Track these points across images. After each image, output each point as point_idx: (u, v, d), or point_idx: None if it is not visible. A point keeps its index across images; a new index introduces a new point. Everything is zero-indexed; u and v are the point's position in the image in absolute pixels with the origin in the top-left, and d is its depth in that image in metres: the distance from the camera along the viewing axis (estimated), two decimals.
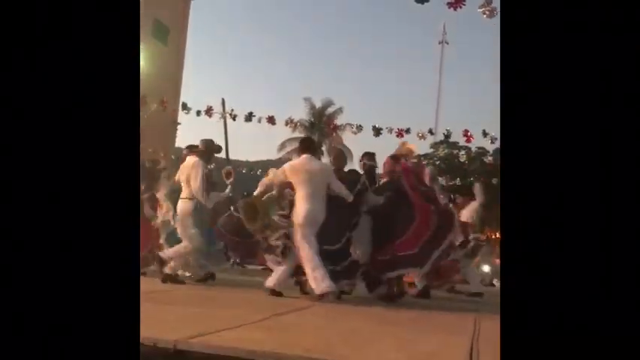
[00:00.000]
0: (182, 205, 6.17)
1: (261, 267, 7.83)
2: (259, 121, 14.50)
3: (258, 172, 21.85)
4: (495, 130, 14.51)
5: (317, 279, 4.77)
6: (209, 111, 14.35)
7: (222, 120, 14.13)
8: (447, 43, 18.48)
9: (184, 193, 6.19)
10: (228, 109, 14.32)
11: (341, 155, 6.18)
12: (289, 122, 15.71)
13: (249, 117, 14.25)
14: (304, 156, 5.29)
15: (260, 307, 4.07)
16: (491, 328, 3.89)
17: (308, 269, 4.88)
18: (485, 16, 6.71)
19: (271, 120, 14.54)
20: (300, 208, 5.03)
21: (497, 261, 20.21)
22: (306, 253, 4.91)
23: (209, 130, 10.52)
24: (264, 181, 5.52)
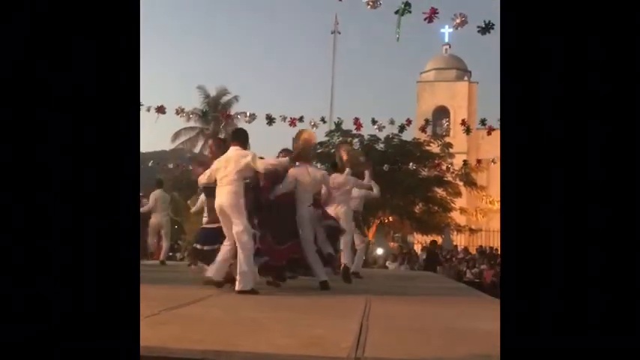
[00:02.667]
0: None
1: None
2: (148, 110, 13.99)
3: (149, 164, 21.14)
4: (383, 118, 15.04)
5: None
6: None
7: None
8: (339, 33, 18.76)
9: None
10: None
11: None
12: (180, 111, 15.31)
13: None
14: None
15: (150, 302, 3.98)
16: (379, 309, 4.08)
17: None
18: (368, 7, 6.93)
19: (161, 109, 14.08)
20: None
21: (392, 244, 20.99)
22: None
23: None
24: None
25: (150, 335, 2.62)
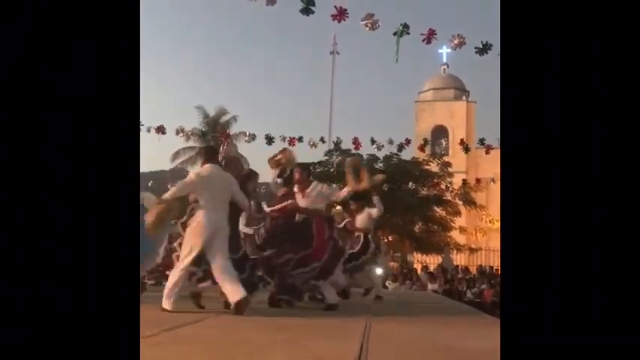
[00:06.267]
0: None
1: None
2: (148, 130, 14.07)
3: (149, 184, 21.12)
4: (381, 138, 15.11)
5: (232, 289, 4.71)
6: None
7: None
8: (338, 54, 18.93)
9: None
10: None
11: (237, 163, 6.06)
12: (180, 131, 15.38)
13: None
14: (209, 165, 5.11)
15: (150, 322, 3.96)
16: (379, 330, 4.04)
17: (223, 280, 4.77)
18: (367, 28, 7.01)
19: (161, 129, 14.17)
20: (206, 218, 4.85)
21: (392, 263, 20.96)
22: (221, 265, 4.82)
23: None
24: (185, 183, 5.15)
25: (149, 356, 2.60)
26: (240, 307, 4.61)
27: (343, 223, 7.61)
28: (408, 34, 7.14)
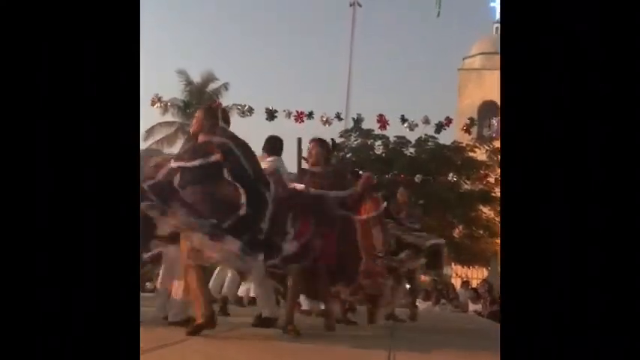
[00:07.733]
0: None
1: None
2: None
3: None
4: (415, 115, 14.24)
5: None
6: None
7: None
8: (360, 6, 18.51)
9: None
10: None
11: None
12: (156, 101, 15.02)
13: None
14: None
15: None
16: None
17: None
18: None
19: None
20: None
21: (423, 277, 20.90)
22: None
23: None
24: None
25: None
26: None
27: None
28: None
